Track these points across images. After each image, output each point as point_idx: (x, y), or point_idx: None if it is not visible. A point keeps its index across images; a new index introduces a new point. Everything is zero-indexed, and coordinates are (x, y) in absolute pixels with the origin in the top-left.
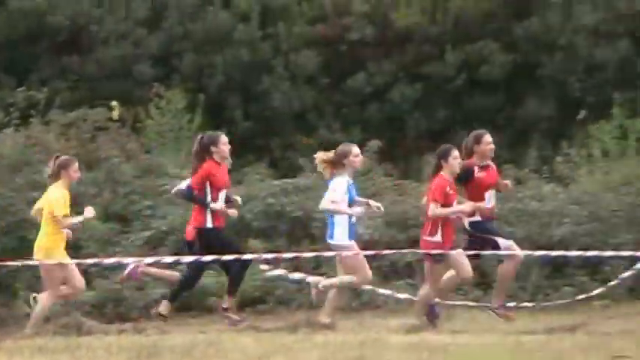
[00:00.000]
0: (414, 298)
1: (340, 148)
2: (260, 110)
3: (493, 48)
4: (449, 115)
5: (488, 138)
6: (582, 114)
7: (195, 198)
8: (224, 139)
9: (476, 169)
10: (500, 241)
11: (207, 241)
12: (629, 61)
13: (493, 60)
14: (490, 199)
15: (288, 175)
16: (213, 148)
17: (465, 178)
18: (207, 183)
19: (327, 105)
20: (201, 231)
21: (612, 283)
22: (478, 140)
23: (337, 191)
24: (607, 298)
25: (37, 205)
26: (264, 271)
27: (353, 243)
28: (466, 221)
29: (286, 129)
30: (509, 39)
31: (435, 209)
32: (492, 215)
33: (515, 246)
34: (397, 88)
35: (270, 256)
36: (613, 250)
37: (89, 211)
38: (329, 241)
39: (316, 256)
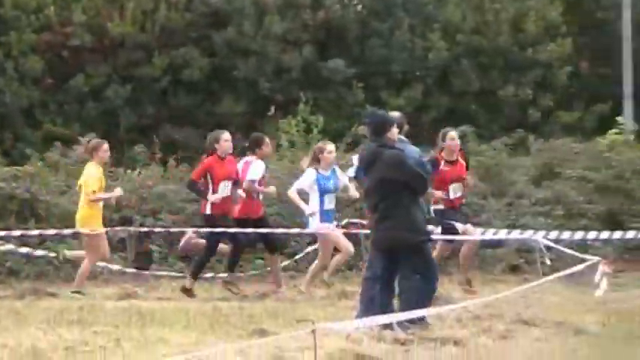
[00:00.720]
0: (126, 270)
1: (317, 145)
2: None
3: (194, 53)
4: (156, 111)
5: (452, 134)
6: (272, 110)
7: (194, 190)
8: (226, 135)
9: (442, 162)
10: (458, 225)
11: (207, 224)
12: (312, 65)
13: (194, 63)
14: (455, 192)
15: (18, 163)
16: (216, 145)
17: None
18: (209, 175)
19: (52, 102)
20: (203, 216)
21: (298, 256)
22: (444, 137)
23: (301, 181)
24: (293, 269)
25: (79, 181)
26: None
27: (329, 225)
28: (431, 208)
29: (17, 123)
30: (208, 45)
31: None
32: (454, 206)
33: (471, 229)
34: (111, 88)
35: (1, 233)
36: (298, 228)
37: (118, 191)
38: (308, 230)
39: (40, 234)
